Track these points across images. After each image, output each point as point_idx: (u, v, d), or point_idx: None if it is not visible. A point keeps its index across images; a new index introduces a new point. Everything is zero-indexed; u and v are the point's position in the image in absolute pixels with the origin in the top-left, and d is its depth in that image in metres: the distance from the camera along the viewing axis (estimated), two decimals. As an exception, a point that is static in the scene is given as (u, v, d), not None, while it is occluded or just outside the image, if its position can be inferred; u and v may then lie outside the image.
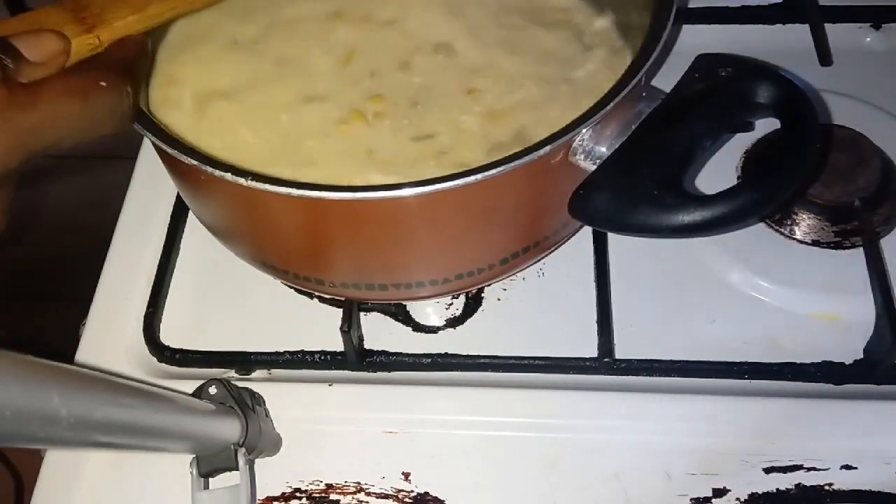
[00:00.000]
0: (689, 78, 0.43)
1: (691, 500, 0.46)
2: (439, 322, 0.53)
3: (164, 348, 0.52)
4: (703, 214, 0.38)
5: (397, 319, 0.53)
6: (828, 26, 0.63)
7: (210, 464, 0.42)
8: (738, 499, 0.46)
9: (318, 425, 0.49)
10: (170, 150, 0.40)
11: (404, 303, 0.54)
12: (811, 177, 0.53)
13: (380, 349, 0.51)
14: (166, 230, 0.57)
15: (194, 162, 0.39)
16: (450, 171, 0.39)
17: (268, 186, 0.38)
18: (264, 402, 0.48)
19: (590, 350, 0.49)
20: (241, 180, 0.39)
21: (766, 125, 0.56)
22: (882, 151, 0.55)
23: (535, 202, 0.44)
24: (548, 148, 0.39)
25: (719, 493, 0.46)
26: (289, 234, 0.46)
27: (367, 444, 0.48)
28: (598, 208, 0.40)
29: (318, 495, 0.47)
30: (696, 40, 0.61)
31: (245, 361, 0.51)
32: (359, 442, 0.48)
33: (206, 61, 0.51)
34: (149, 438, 0.36)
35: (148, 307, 0.53)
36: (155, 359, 0.52)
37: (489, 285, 0.53)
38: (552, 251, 0.51)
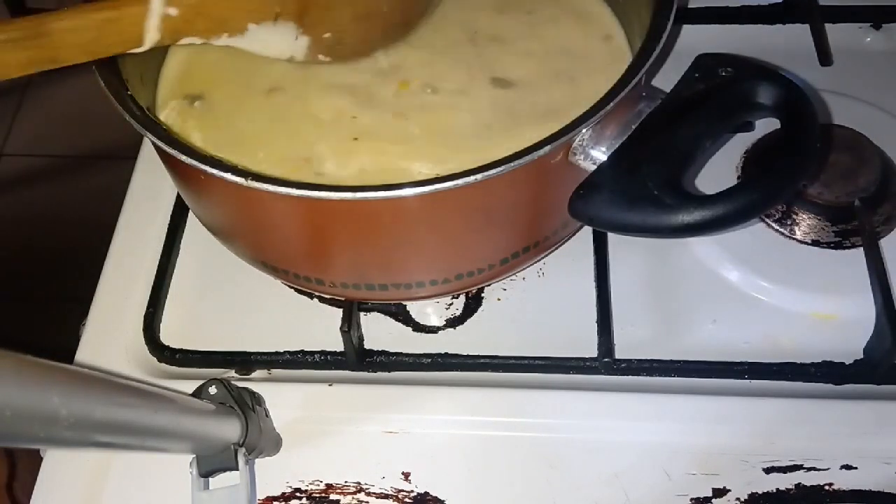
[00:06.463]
0: (689, 78, 0.43)
1: (691, 500, 0.46)
2: (439, 322, 0.53)
3: (164, 348, 0.52)
4: (703, 214, 0.38)
5: (397, 319, 0.53)
6: (828, 26, 0.63)
7: (210, 464, 0.42)
8: (738, 499, 0.46)
9: (318, 425, 0.49)
10: (170, 150, 0.40)
11: (404, 303, 0.54)
12: (811, 177, 0.53)
13: (380, 349, 0.51)
14: (166, 230, 0.56)
15: (194, 162, 0.39)
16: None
17: (268, 186, 0.38)
18: (264, 402, 0.48)
19: (590, 350, 0.49)
20: (241, 180, 0.39)
21: (766, 125, 0.56)
22: (882, 151, 0.55)
23: (535, 202, 0.44)
24: (548, 148, 0.39)
25: (719, 493, 0.46)
26: (288, 234, 0.46)
27: (367, 444, 0.48)
28: (597, 208, 0.40)
29: (318, 495, 0.47)
30: (696, 40, 0.61)
31: (245, 361, 0.51)
32: (359, 442, 0.48)
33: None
34: (149, 438, 0.36)
35: (148, 307, 0.53)
36: (155, 359, 0.52)
37: (489, 285, 0.53)
38: (552, 251, 0.51)
